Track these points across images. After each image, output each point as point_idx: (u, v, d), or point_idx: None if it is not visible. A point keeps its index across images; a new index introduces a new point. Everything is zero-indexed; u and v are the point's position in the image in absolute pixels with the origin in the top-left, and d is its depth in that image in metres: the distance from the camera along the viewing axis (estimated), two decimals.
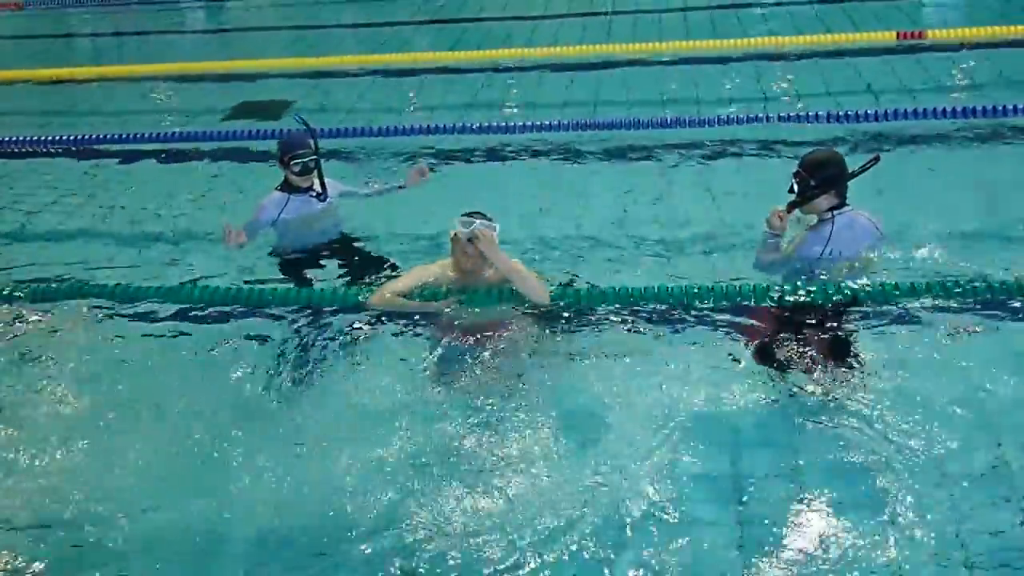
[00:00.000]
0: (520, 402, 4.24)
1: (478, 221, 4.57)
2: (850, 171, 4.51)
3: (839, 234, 4.46)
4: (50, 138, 8.47)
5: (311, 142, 5.48)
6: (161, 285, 5.39)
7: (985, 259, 5.20)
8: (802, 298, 4.58)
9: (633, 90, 9.16)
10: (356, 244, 5.82)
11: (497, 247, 4.60)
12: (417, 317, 4.74)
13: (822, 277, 4.66)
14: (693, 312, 4.81)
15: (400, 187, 5.99)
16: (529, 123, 8.10)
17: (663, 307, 4.84)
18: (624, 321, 4.79)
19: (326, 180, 5.62)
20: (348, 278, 5.37)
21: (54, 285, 5.48)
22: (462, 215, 4.60)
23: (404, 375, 4.51)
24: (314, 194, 5.54)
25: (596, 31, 11.44)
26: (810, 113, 7.71)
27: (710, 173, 7.01)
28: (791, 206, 4.50)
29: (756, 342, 4.47)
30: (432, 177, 6.15)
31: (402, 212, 6.21)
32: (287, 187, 5.53)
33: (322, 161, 5.56)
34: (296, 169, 5.43)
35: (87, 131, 8.66)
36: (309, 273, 5.50)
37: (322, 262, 5.58)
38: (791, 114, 7.74)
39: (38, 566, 3.52)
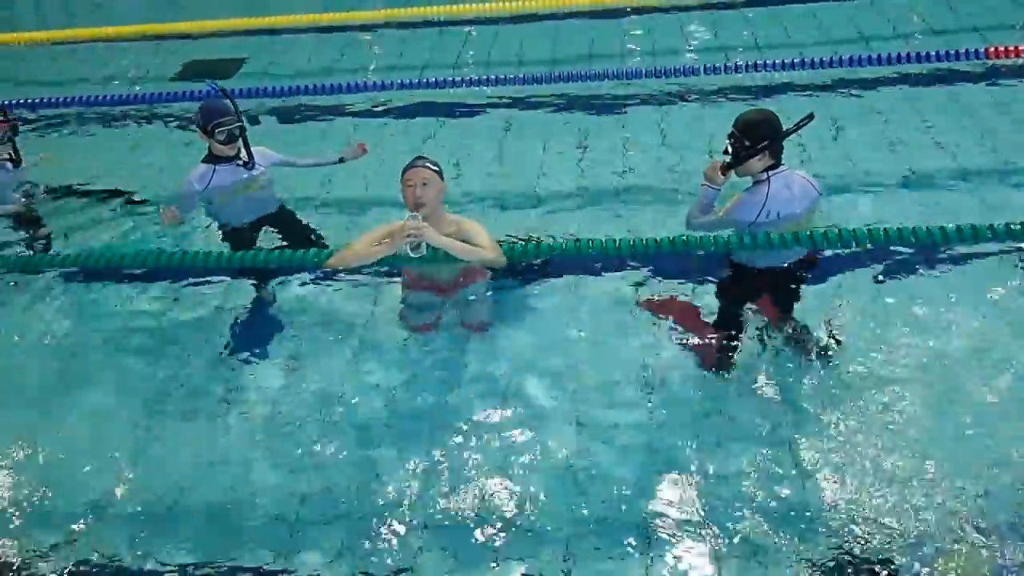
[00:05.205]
0: (487, 352, 4.36)
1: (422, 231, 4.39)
2: (784, 130, 4.45)
3: (776, 195, 4.43)
4: None
5: (232, 109, 5.30)
6: (117, 251, 5.34)
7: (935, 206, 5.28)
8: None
9: (594, 42, 9.06)
10: (295, 216, 5.68)
11: (436, 235, 4.42)
12: (383, 276, 4.81)
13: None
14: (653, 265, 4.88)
15: (340, 160, 5.84)
16: (486, 77, 8.03)
17: (621, 260, 4.89)
18: (585, 274, 4.86)
19: (257, 149, 5.47)
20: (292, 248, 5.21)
21: None
22: (410, 163, 4.51)
23: (372, 332, 4.65)
24: (240, 162, 5.39)
25: None
26: (769, 62, 7.66)
27: (668, 124, 6.97)
28: (725, 168, 4.46)
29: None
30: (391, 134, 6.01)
31: (352, 177, 6.14)
32: (212, 158, 5.37)
33: (247, 127, 5.36)
34: (221, 137, 5.23)
35: (32, 96, 8.37)
36: (252, 243, 5.35)
37: (262, 234, 5.43)
38: (750, 63, 7.68)
39: None
